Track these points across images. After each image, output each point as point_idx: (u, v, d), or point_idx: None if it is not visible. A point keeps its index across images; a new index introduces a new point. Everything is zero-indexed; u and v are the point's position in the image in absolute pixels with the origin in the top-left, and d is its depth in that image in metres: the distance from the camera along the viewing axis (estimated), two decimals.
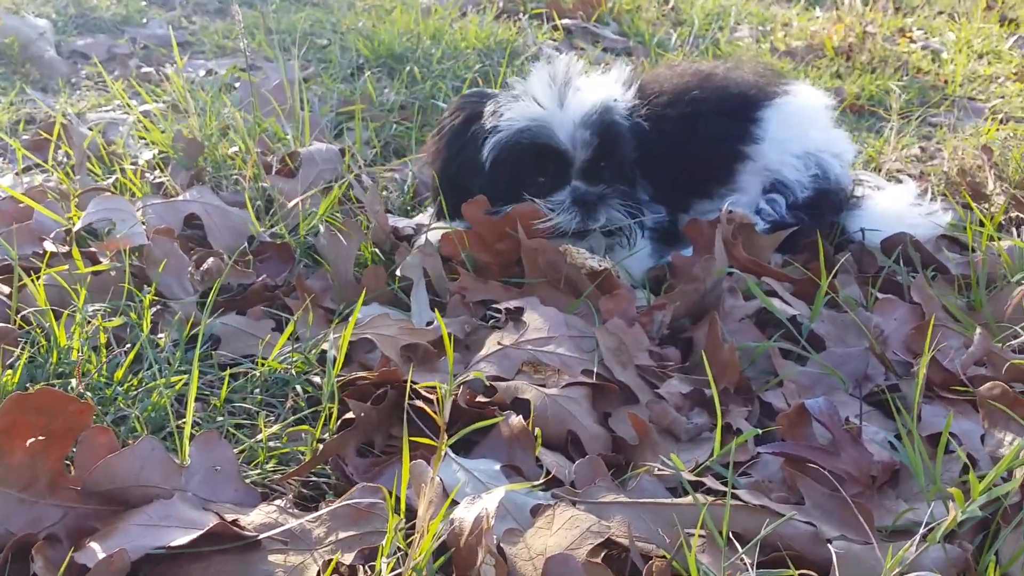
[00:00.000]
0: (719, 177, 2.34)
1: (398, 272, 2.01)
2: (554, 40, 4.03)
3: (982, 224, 2.40)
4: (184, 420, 1.49)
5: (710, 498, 1.42)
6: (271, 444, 1.59)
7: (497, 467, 1.50)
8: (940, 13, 5.85)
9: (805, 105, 2.41)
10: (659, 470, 1.51)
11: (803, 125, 2.37)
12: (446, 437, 1.21)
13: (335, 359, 1.69)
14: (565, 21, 4.23)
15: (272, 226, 2.24)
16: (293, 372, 1.77)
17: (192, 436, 1.48)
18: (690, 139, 2.26)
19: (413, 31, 3.56)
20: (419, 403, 1.61)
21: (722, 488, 1.44)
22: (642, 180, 2.23)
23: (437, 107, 3.03)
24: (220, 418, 1.65)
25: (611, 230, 2.11)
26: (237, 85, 3.08)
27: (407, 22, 3.66)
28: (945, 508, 1.43)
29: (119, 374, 1.64)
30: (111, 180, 2.38)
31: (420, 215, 2.37)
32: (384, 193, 2.55)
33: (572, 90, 2.09)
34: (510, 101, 2.10)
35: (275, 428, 1.62)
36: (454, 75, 3.28)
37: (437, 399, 1.61)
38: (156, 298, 1.92)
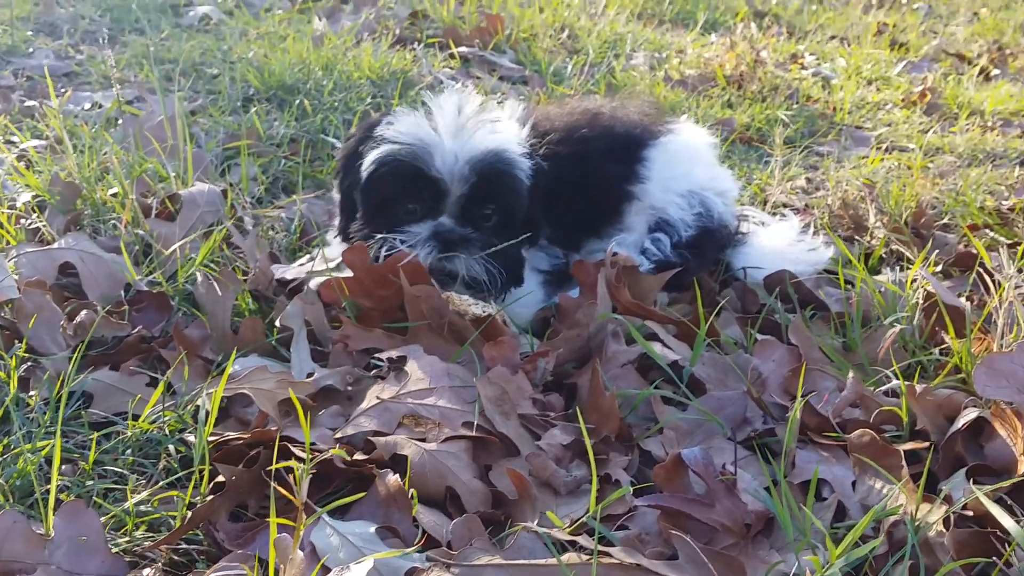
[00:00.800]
0: (608, 217, 2.36)
1: (277, 322, 1.96)
2: (451, 69, 4.02)
3: (864, 261, 2.48)
4: (49, 485, 1.44)
5: (584, 557, 1.42)
6: (141, 509, 1.54)
7: (372, 529, 1.47)
8: (832, 38, 6.05)
9: (689, 144, 2.46)
10: (534, 525, 1.51)
11: (687, 164, 2.41)
12: (304, 517, 1.18)
13: (207, 416, 1.64)
14: (462, 49, 4.23)
15: (150, 273, 2.17)
16: (167, 431, 1.72)
17: (58, 504, 1.43)
18: (581, 180, 2.28)
19: (305, 61, 3.51)
20: (294, 463, 1.57)
21: (594, 545, 1.44)
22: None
23: (327, 141, 2.99)
24: (90, 482, 1.60)
25: (469, 282, 2.06)
26: (120, 120, 2.99)
27: (299, 51, 3.60)
28: (812, 558, 1.46)
29: None
30: None
31: (304, 258, 2.32)
32: (271, 234, 2.50)
33: (470, 122, 2.05)
34: (403, 118, 2.07)
35: (145, 494, 1.57)
36: (346, 107, 3.25)
37: (313, 456, 1.58)
38: (27, 354, 1.85)
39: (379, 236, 2.04)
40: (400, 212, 2.07)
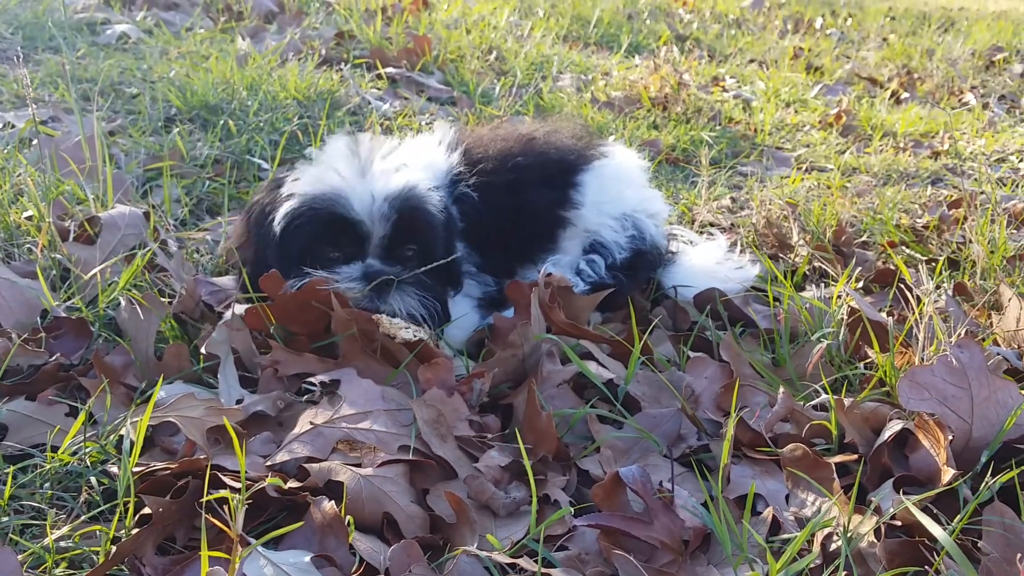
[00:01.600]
0: (542, 244, 2.37)
1: (203, 349, 1.91)
2: (378, 90, 4.00)
3: (788, 278, 2.53)
4: None
5: None
6: (62, 545, 1.48)
7: (307, 559, 1.44)
8: (751, 61, 6.20)
9: (622, 167, 2.49)
10: (474, 549, 1.49)
11: (620, 187, 2.44)
12: (240, 550, 1.14)
13: (132, 446, 1.58)
14: (389, 70, 4.21)
15: (68, 299, 2.09)
16: (88, 462, 1.65)
17: None
18: (514, 207, 2.28)
19: (229, 80, 3.45)
20: (224, 492, 1.53)
21: (535, 567, 1.43)
22: (470, 250, 2.21)
23: (253, 162, 2.94)
24: (5, 518, 1.52)
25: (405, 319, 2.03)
26: (35, 141, 2.89)
27: (223, 71, 3.54)
28: (751, 571, 1.47)
29: None
30: None
31: (229, 277, 2.27)
32: (196, 256, 2.44)
33: (376, 162, 2.03)
34: (306, 170, 2.04)
35: (65, 529, 1.50)
36: (272, 127, 3.19)
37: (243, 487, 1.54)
38: None
39: (307, 272, 1.99)
40: (320, 262, 2.02)
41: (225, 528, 1.14)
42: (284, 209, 2.00)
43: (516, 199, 2.27)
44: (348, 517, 1.51)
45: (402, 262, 2.05)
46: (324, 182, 2.00)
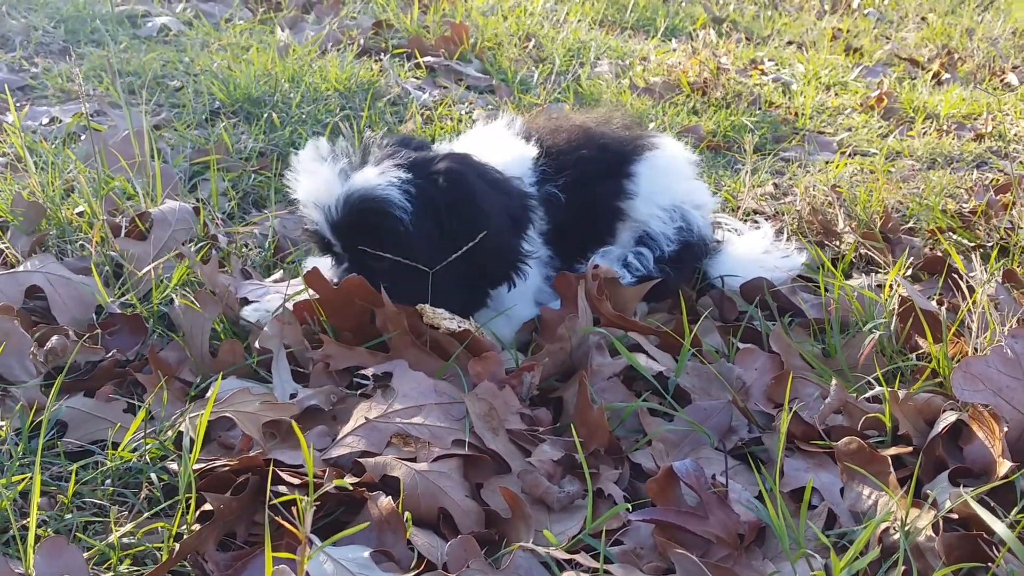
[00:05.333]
0: (603, 237, 2.38)
1: (255, 344, 1.93)
2: (417, 79, 4.00)
3: (834, 265, 2.50)
4: (27, 520, 1.39)
5: (583, 575, 1.41)
6: (125, 541, 1.50)
7: (366, 554, 1.45)
8: (790, 43, 6.13)
9: (673, 158, 2.47)
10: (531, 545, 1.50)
11: (670, 178, 2.43)
12: (308, 550, 1.15)
13: (192, 443, 1.60)
14: (428, 59, 4.21)
15: (122, 295, 2.12)
16: (148, 459, 1.67)
17: (37, 540, 1.38)
18: (585, 202, 2.28)
19: (271, 72, 3.46)
20: (283, 488, 1.55)
21: (593, 563, 1.44)
22: (549, 249, 2.22)
23: (297, 155, 2.95)
24: (68, 515, 1.54)
25: None
26: (83, 136, 2.92)
27: (264, 63, 3.55)
28: (809, 567, 1.46)
29: None
30: None
31: (278, 273, 2.29)
32: (244, 250, 2.46)
33: (329, 168, 1.98)
34: (300, 176, 2.03)
35: (129, 527, 1.52)
36: (315, 120, 3.21)
37: (303, 482, 1.56)
38: None
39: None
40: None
41: (293, 528, 1.16)
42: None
43: (586, 193, 2.27)
44: (406, 512, 1.53)
45: (368, 267, 1.98)
46: (296, 188, 2.01)
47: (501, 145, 2.22)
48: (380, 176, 1.93)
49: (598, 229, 2.36)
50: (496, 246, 2.00)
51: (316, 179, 1.97)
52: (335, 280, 2.00)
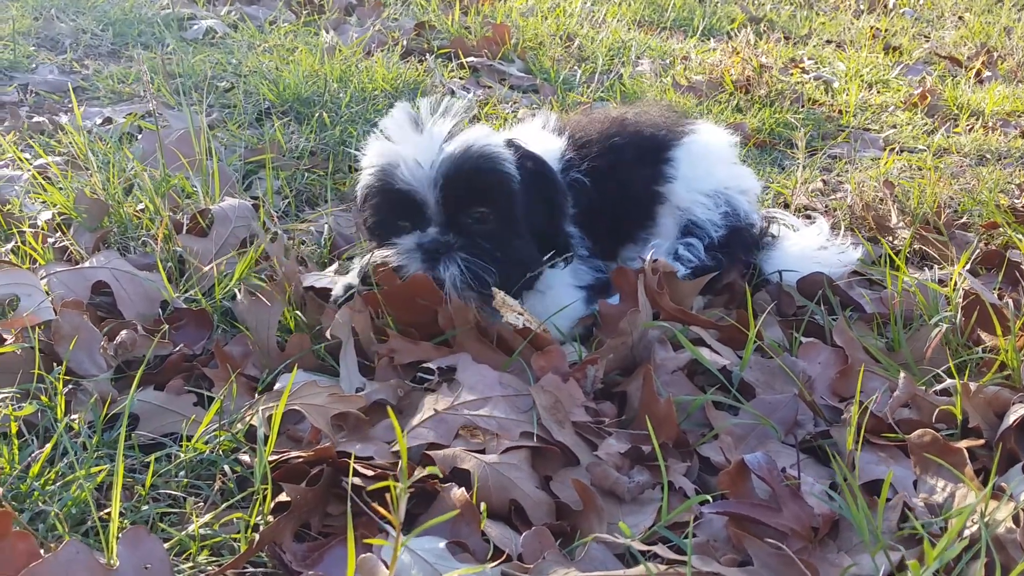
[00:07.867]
0: (643, 222, 2.37)
1: (328, 332, 1.94)
2: (460, 79, 4.01)
3: (891, 259, 2.48)
4: (105, 511, 1.40)
5: (662, 567, 1.41)
6: (202, 532, 1.51)
7: (442, 545, 1.45)
8: (828, 42, 6.08)
9: (711, 143, 2.47)
10: (607, 536, 1.49)
11: (710, 163, 2.43)
12: (401, 537, 1.16)
13: (265, 436, 1.62)
14: (470, 59, 4.22)
15: (187, 290, 2.14)
16: (220, 451, 1.69)
17: (119, 531, 1.39)
18: (618, 188, 2.28)
19: (318, 73, 3.49)
20: (356, 480, 1.56)
21: (672, 555, 1.43)
22: (582, 235, 2.21)
23: (348, 153, 2.97)
24: (144, 507, 1.56)
25: (463, 289, 1.97)
26: (139, 136, 2.95)
27: (311, 63, 3.58)
28: (888, 560, 1.45)
29: (35, 468, 1.53)
30: (9, 246, 2.24)
31: (334, 267, 2.31)
32: (301, 247, 2.48)
33: (430, 127, 1.96)
34: (373, 143, 2.04)
35: (207, 517, 1.53)
36: (364, 119, 3.22)
37: (375, 474, 1.57)
38: (67, 377, 1.81)
39: (367, 250, 2.04)
40: (394, 229, 2.03)
41: (384, 514, 1.16)
42: (359, 184, 2.05)
43: (618, 179, 2.27)
44: (482, 504, 1.53)
45: (466, 228, 1.98)
46: (381, 153, 1.99)
47: (530, 140, 2.20)
48: (490, 136, 1.96)
49: (636, 214, 2.36)
50: (560, 222, 2.10)
51: (418, 138, 1.95)
52: (423, 244, 1.96)
